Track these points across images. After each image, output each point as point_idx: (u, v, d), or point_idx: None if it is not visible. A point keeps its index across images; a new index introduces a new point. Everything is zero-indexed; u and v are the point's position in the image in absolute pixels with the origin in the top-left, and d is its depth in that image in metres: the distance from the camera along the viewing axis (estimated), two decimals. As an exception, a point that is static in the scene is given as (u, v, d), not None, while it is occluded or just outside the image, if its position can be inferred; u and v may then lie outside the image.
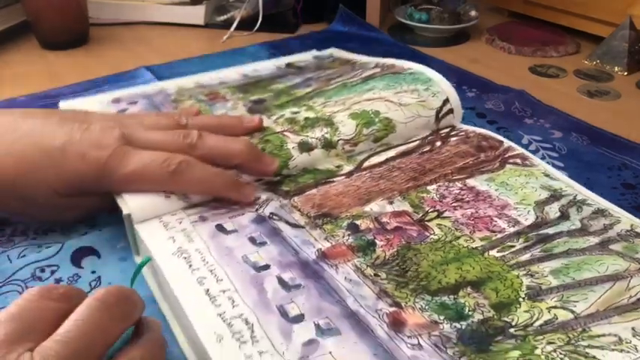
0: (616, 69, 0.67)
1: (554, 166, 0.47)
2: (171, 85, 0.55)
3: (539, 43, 0.74)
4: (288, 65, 0.59)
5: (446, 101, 0.49)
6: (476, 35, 0.79)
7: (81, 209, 0.39)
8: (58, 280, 0.36)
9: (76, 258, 0.37)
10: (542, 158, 0.48)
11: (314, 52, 0.64)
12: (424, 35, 0.78)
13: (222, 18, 0.82)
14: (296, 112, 0.47)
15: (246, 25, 0.80)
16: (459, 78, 0.65)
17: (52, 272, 0.36)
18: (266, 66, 0.59)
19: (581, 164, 0.48)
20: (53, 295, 0.26)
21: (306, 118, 0.46)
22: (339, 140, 0.44)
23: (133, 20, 0.82)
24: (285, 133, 0.44)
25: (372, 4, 0.82)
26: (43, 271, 0.36)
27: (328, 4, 0.83)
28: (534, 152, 0.49)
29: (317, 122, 0.45)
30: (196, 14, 0.80)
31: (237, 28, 0.79)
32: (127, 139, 0.37)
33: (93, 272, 0.36)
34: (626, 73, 0.66)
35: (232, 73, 0.57)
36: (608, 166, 0.48)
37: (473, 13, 0.79)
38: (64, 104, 0.53)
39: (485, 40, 0.77)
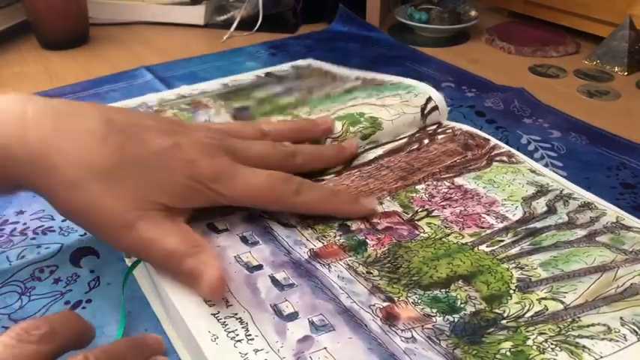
0: (616, 69, 0.67)
1: (552, 166, 0.47)
2: (152, 97, 0.55)
3: (539, 43, 0.73)
4: (268, 75, 0.60)
5: (429, 99, 0.49)
6: (476, 35, 0.79)
7: None
8: (57, 280, 0.36)
9: (75, 258, 0.37)
10: (541, 158, 0.48)
11: (292, 63, 0.64)
12: (424, 35, 0.78)
13: (222, 18, 0.83)
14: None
15: (246, 25, 0.80)
16: (459, 78, 0.65)
17: (51, 272, 0.36)
18: (245, 76, 0.60)
19: (580, 164, 0.48)
20: (33, 337, 0.23)
21: None
22: (326, 139, 0.44)
23: (133, 20, 0.82)
24: None
25: (372, 4, 0.82)
26: (42, 271, 0.36)
27: (328, 4, 0.83)
28: (533, 152, 0.49)
29: None
30: (196, 14, 0.80)
31: (237, 28, 0.79)
32: (231, 153, 0.35)
33: (92, 272, 0.36)
34: (626, 73, 0.66)
35: (212, 84, 0.58)
36: (607, 166, 0.48)
37: (473, 13, 0.79)
38: None
39: (485, 40, 0.77)
